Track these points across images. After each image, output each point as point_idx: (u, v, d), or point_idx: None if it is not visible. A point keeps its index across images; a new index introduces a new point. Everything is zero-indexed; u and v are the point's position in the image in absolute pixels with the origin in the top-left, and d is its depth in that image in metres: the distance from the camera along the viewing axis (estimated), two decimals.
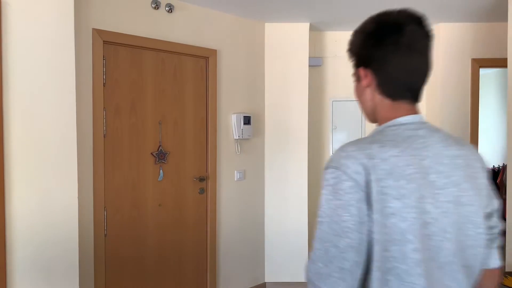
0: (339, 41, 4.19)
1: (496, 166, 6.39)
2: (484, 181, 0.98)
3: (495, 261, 1.06)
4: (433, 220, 0.88)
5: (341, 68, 4.21)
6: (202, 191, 3.35)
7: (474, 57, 3.84)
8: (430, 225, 0.87)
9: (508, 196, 2.77)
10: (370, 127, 4.19)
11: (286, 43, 3.84)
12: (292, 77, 3.84)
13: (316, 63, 4.11)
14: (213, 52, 3.36)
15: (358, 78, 1.03)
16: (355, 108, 4.21)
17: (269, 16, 3.63)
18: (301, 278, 3.86)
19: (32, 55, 2.17)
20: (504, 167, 6.08)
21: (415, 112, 0.98)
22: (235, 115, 3.52)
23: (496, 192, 1.07)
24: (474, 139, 3.85)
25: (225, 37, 3.49)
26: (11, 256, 2.11)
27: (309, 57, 3.88)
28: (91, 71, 2.71)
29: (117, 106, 2.87)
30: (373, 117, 1.03)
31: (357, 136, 4.19)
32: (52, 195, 2.24)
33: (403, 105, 0.98)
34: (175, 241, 3.20)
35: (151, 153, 3.05)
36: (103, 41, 2.75)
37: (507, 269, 2.79)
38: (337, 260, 0.85)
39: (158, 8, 3.02)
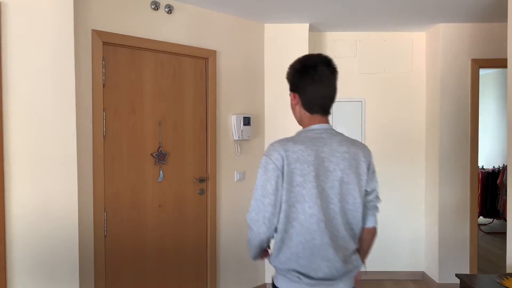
0: (338, 41, 4.19)
1: (496, 167, 6.39)
2: (364, 170, 1.50)
3: (370, 223, 1.58)
4: (324, 190, 1.42)
5: (340, 69, 4.17)
6: (202, 192, 3.35)
7: (474, 57, 3.84)
8: (321, 194, 1.42)
9: (508, 197, 2.77)
10: (370, 127, 4.19)
11: (285, 43, 3.83)
12: None
13: None
14: (213, 53, 3.36)
15: (291, 96, 1.58)
16: (355, 108, 4.21)
17: (268, 16, 3.63)
18: None
19: (32, 56, 2.16)
20: (504, 168, 6.07)
21: (324, 122, 1.54)
22: (234, 116, 3.51)
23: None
24: (474, 140, 3.85)
25: (225, 38, 3.49)
26: (11, 257, 2.10)
27: None
28: (91, 72, 2.71)
29: (117, 107, 2.86)
30: (300, 123, 1.60)
31: (358, 136, 4.19)
32: (52, 196, 2.23)
33: (317, 117, 1.54)
34: (175, 242, 3.19)
35: (151, 154, 3.04)
36: (103, 42, 2.75)
37: (507, 271, 2.78)
38: (262, 211, 1.41)
39: (157, 9, 3.02)
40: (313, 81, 1.51)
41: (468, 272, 3.85)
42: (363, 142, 4.17)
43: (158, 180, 3.08)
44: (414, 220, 4.23)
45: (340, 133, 1.56)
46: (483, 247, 5.37)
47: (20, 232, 2.13)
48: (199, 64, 3.31)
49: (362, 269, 1.62)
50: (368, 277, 4.21)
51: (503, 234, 6.15)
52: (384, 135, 4.21)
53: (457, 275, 2.52)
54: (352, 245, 1.50)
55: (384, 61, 4.20)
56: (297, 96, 1.56)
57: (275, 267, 1.51)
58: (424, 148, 4.21)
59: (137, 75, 2.96)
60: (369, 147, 1.53)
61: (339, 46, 4.19)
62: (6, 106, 2.08)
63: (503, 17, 3.60)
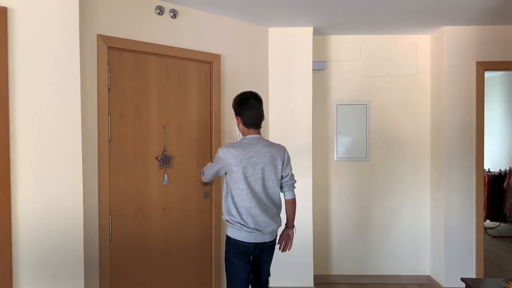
0: (342, 45, 4.19)
1: (502, 169, 6.34)
2: (279, 163, 2.50)
3: (287, 196, 2.60)
4: (251, 175, 2.41)
5: (345, 72, 4.21)
6: (207, 195, 3.35)
7: (479, 60, 3.83)
8: (249, 177, 2.41)
9: None
10: (375, 130, 4.18)
11: (289, 47, 3.84)
12: (296, 81, 3.84)
13: (320, 67, 4.11)
14: (217, 57, 3.37)
15: (236, 119, 2.56)
16: (360, 112, 4.21)
17: (272, 20, 3.64)
18: (305, 283, 3.84)
19: (38, 61, 2.19)
20: (511, 171, 6.03)
21: (256, 133, 2.52)
22: None
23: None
24: (479, 142, 3.82)
25: (229, 42, 3.50)
26: (17, 260, 2.12)
27: (313, 61, 3.88)
28: (96, 76, 2.73)
29: (122, 111, 2.88)
30: (243, 134, 2.56)
31: (362, 139, 4.19)
32: (57, 199, 2.25)
33: (251, 130, 2.52)
34: (180, 244, 3.21)
35: (156, 158, 3.06)
36: (108, 46, 2.77)
37: None
38: (209, 172, 2.63)
39: (162, 13, 3.04)
40: (247, 108, 2.49)
41: (474, 276, 3.82)
42: (368, 145, 4.18)
43: (163, 184, 3.09)
44: (419, 224, 4.21)
45: (266, 140, 2.57)
46: (490, 251, 5.33)
47: (25, 234, 2.15)
48: (203, 68, 3.32)
49: (294, 231, 2.71)
50: (373, 281, 4.19)
51: (510, 237, 6.10)
52: (388, 138, 4.20)
53: (462, 279, 2.50)
54: (274, 209, 2.50)
55: (389, 64, 4.19)
56: (239, 118, 2.54)
57: (228, 221, 2.47)
58: (429, 151, 4.19)
59: (142, 79, 2.98)
60: (374, 150, 2.39)
61: (343, 50, 4.19)
62: (13, 111, 2.10)
63: (509, 19, 3.59)
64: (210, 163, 2.66)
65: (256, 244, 2.45)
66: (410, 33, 4.11)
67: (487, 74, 4.03)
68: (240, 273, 2.47)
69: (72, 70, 2.31)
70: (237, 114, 2.54)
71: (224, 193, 2.52)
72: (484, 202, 5.56)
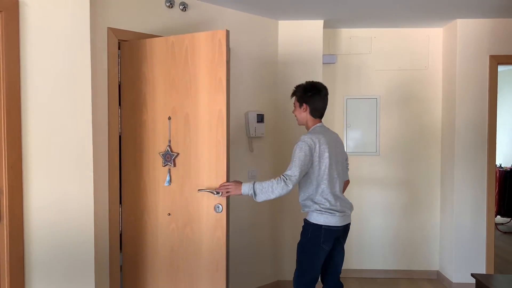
0: (353, 38, 4.15)
1: None
2: (343, 148, 2.72)
3: (347, 177, 2.79)
4: (336, 160, 2.53)
5: (355, 66, 4.17)
6: (219, 208, 2.61)
7: (492, 53, 3.77)
8: (337, 162, 2.54)
9: None
10: (385, 124, 4.15)
11: (299, 40, 3.81)
12: (306, 75, 3.81)
13: (330, 61, 4.08)
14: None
15: (299, 106, 2.61)
16: (370, 106, 4.17)
17: (282, 14, 3.62)
18: None
19: (49, 54, 2.19)
20: None
21: (320, 122, 2.62)
22: (248, 113, 3.51)
23: None
24: (491, 138, 3.78)
25: (239, 34, 3.49)
26: (29, 253, 2.14)
27: (323, 55, 3.85)
28: (106, 69, 2.73)
29: (132, 104, 2.83)
30: (305, 125, 2.64)
31: (372, 133, 4.16)
32: (68, 193, 2.26)
33: (317, 120, 2.61)
34: (187, 261, 2.74)
35: (159, 153, 2.69)
36: (118, 39, 2.77)
37: None
38: (298, 168, 2.38)
39: (172, 6, 3.04)
40: (320, 98, 2.57)
41: (484, 272, 3.79)
42: (378, 139, 4.15)
43: (165, 184, 2.68)
44: (429, 218, 4.18)
45: (328, 127, 2.67)
46: (500, 246, 5.28)
47: (37, 228, 2.16)
48: (216, 39, 2.68)
49: None
50: (382, 276, 4.18)
51: None
52: (399, 132, 4.16)
53: (472, 275, 2.49)
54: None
55: (400, 58, 4.15)
56: (306, 106, 2.57)
57: (316, 210, 2.45)
58: (440, 145, 4.15)
59: (148, 66, 2.73)
60: (384, 145, 2.46)
61: (353, 43, 4.15)
62: (25, 104, 2.11)
63: None
64: (297, 161, 2.38)
65: (343, 226, 2.51)
66: (422, 26, 4.05)
67: (500, 68, 3.97)
68: (322, 259, 2.50)
69: (83, 64, 2.31)
70: (305, 102, 2.55)
71: (301, 187, 2.52)
72: (495, 197, 5.50)
